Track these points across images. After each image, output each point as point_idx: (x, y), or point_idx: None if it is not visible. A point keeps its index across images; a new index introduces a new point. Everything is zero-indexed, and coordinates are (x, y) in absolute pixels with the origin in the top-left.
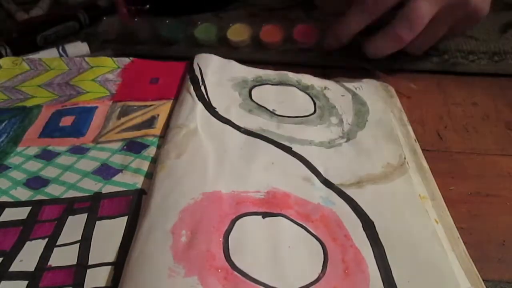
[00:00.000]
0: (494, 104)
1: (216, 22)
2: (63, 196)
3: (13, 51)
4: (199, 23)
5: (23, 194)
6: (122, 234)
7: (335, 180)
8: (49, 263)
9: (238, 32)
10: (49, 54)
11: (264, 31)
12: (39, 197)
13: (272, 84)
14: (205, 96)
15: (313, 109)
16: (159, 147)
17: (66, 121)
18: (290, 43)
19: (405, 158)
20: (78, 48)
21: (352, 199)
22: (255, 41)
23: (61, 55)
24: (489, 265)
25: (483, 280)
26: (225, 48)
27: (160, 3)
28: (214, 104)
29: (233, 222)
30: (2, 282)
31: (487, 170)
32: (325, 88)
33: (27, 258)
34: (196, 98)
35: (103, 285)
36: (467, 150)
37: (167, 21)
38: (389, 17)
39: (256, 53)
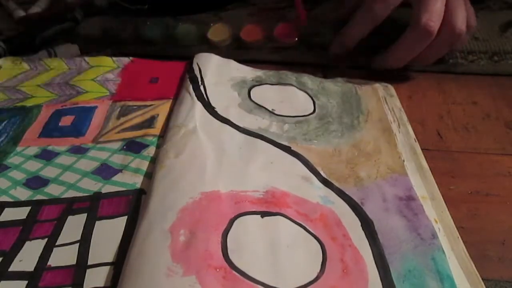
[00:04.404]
0: (494, 103)
1: (197, 22)
2: (63, 196)
3: (10, 50)
4: (180, 24)
5: (22, 194)
6: (121, 234)
7: (334, 180)
8: (48, 263)
9: (218, 32)
10: (39, 56)
11: (244, 31)
12: (39, 197)
13: (271, 84)
14: (204, 96)
15: (312, 109)
16: (158, 146)
17: (66, 121)
18: (271, 42)
19: (403, 160)
20: (68, 50)
21: (351, 198)
22: (236, 40)
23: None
24: (489, 265)
25: (483, 280)
26: (206, 48)
27: (160, 3)
28: (213, 104)
29: (231, 222)
30: (2, 282)
31: (487, 170)
32: (325, 87)
33: (27, 258)
34: (195, 98)
35: (102, 285)
36: (467, 150)
37: (148, 22)
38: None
39: (263, 53)
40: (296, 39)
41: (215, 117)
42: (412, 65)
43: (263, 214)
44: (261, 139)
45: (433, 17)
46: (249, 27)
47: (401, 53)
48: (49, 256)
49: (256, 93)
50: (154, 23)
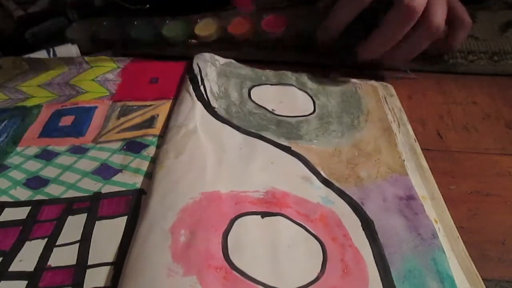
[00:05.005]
0: (494, 103)
1: (184, 19)
2: (63, 196)
3: (4, 50)
4: (167, 21)
5: (22, 194)
6: (121, 234)
7: (334, 180)
8: (48, 263)
9: (205, 27)
10: (38, 56)
11: (232, 24)
12: (39, 197)
13: (272, 84)
14: (204, 96)
15: (312, 109)
16: (158, 146)
17: (66, 121)
18: (259, 35)
19: (403, 160)
20: (68, 50)
21: (352, 199)
22: (224, 34)
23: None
24: (489, 265)
25: (483, 280)
26: (196, 46)
27: (160, 3)
28: (213, 104)
29: (232, 222)
30: (2, 282)
31: (487, 169)
32: (324, 87)
33: (27, 258)
34: (195, 98)
35: (103, 285)
36: (467, 150)
37: (136, 22)
38: (373, 11)
39: (262, 53)
40: (283, 29)
41: (215, 117)
42: (392, 66)
43: (264, 214)
44: (261, 139)
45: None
46: (237, 20)
47: (382, 39)
48: (49, 256)
49: (256, 93)
50: (142, 23)
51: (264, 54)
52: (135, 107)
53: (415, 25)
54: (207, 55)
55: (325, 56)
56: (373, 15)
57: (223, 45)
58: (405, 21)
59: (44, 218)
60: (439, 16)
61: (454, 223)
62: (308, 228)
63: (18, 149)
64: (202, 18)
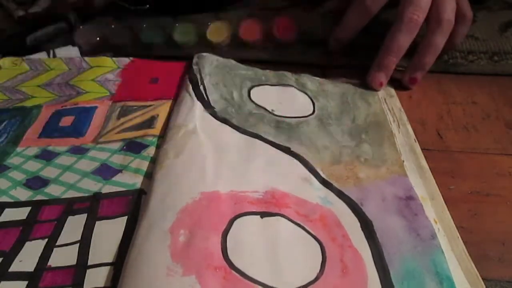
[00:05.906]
0: (494, 103)
1: (194, 22)
2: (63, 196)
3: (4, 50)
4: (176, 24)
5: (22, 194)
6: (121, 234)
7: (333, 180)
8: (48, 263)
9: (217, 32)
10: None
11: (243, 28)
12: (39, 197)
13: (272, 85)
14: (204, 96)
15: (312, 110)
16: (158, 147)
17: (66, 121)
18: (271, 40)
19: (403, 160)
20: (69, 52)
21: (351, 199)
22: (235, 39)
23: None
24: (489, 265)
25: (483, 280)
26: (205, 48)
27: (160, 3)
28: (213, 104)
29: (231, 222)
30: (2, 282)
31: (487, 170)
32: (324, 88)
33: (27, 258)
34: (195, 98)
35: (103, 285)
36: (467, 150)
37: (144, 25)
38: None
39: (263, 53)
40: (295, 33)
41: (215, 117)
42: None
43: (263, 214)
44: (261, 140)
45: (417, 10)
46: (247, 23)
47: (392, 49)
48: (49, 256)
49: (256, 93)
50: (150, 26)
51: (269, 54)
52: (135, 107)
53: (429, 25)
54: (206, 55)
55: (325, 57)
56: (378, 20)
57: (234, 48)
58: (408, 32)
59: (44, 218)
60: (449, 11)
61: (454, 223)
62: (307, 228)
63: (18, 149)
64: (210, 20)
